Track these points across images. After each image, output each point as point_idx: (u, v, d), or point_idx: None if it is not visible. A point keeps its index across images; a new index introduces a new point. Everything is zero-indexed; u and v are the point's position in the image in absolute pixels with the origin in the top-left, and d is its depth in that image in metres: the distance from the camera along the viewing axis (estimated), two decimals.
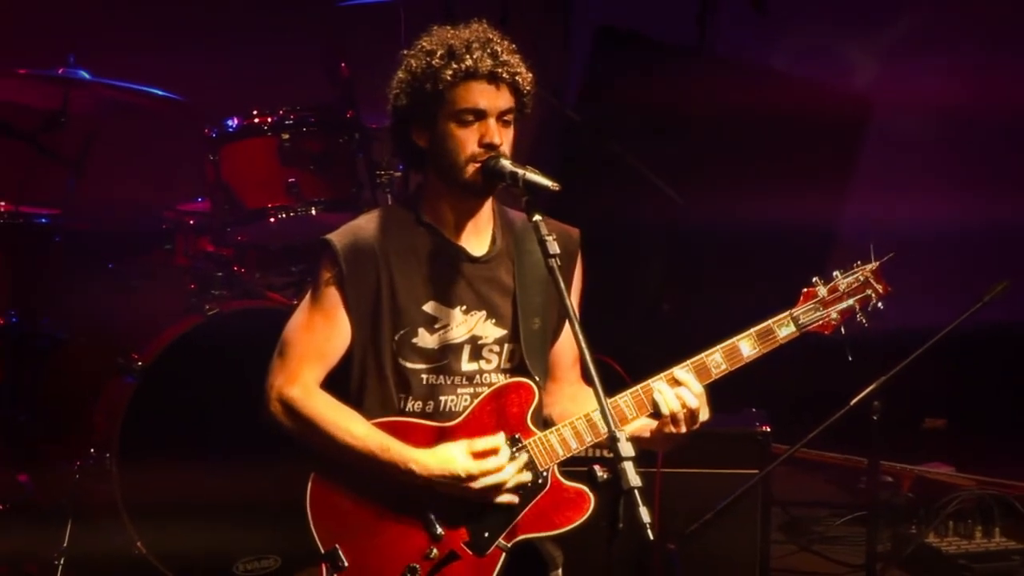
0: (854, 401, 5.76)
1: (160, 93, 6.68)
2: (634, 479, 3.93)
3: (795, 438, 6.01)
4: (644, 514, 3.90)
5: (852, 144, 9.04)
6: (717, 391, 5.57)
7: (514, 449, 4.43)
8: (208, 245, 6.88)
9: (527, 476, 4.42)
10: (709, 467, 5.90)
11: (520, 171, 4.36)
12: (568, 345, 4.67)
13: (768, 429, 5.94)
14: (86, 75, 6.60)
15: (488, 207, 4.57)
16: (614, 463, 3.97)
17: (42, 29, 7.88)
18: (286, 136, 6.63)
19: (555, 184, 4.32)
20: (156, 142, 7.76)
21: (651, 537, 3.91)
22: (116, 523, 6.10)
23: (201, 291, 6.60)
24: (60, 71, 6.59)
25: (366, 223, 4.54)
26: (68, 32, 7.70)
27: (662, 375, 4.47)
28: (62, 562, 6.10)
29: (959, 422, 8.55)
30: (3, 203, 6.68)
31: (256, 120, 6.67)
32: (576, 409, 4.51)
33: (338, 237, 4.50)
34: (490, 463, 4.38)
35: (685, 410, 4.43)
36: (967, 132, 9.05)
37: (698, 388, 4.46)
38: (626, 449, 3.97)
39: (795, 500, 7.36)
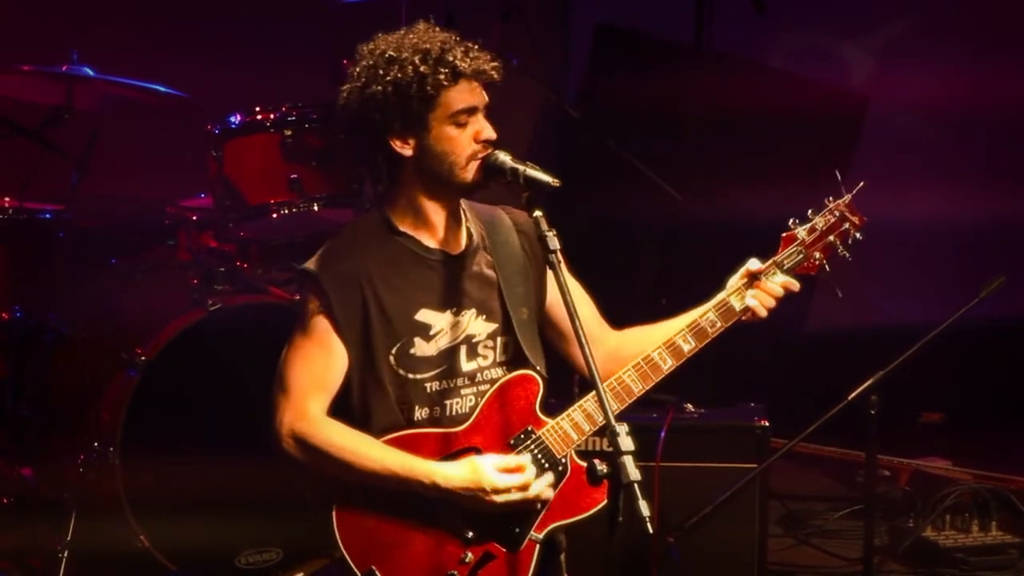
0: (852, 395, 5.77)
1: (163, 89, 6.69)
2: (634, 473, 3.96)
3: (793, 432, 6.04)
4: (643, 507, 3.93)
5: (849, 141, 9.06)
6: (715, 385, 5.62)
7: (535, 450, 4.46)
8: (211, 240, 6.91)
9: (550, 493, 4.44)
10: (708, 461, 5.92)
11: (521, 167, 4.38)
12: (585, 314, 4.60)
13: (766, 423, 5.96)
14: (89, 71, 6.61)
15: (460, 203, 4.59)
16: (614, 457, 4.00)
17: (45, 26, 7.90)
18: (288, 132, 6.64)
19: (555, 180, 4.35)
20: (159, 138, 7.77)
21: (650, 530, 3.94)
22: (119, 517, 6.11)
23: (203, 286, 6.61)
24: (64, 68, 6.60)
25: (341, 246, 4.54)
26: (71, 29, 7.71)
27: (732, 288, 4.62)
28: (65, 555, 6.11)
29: (956, 416, 8.58)
30: (7, 199, 6.69)
31: (259, 116, 6.68)
32: (645, 344, 4.59)
33: (317, 264, 4.49)
34: (516, 479, 4.39)
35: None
36: (964, 129, 9.08)
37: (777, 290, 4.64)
38: (626, 443, 4.00)
39: (793, 494, 7.37)
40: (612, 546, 4.08)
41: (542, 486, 4.43)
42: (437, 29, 4.50)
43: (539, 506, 4.44)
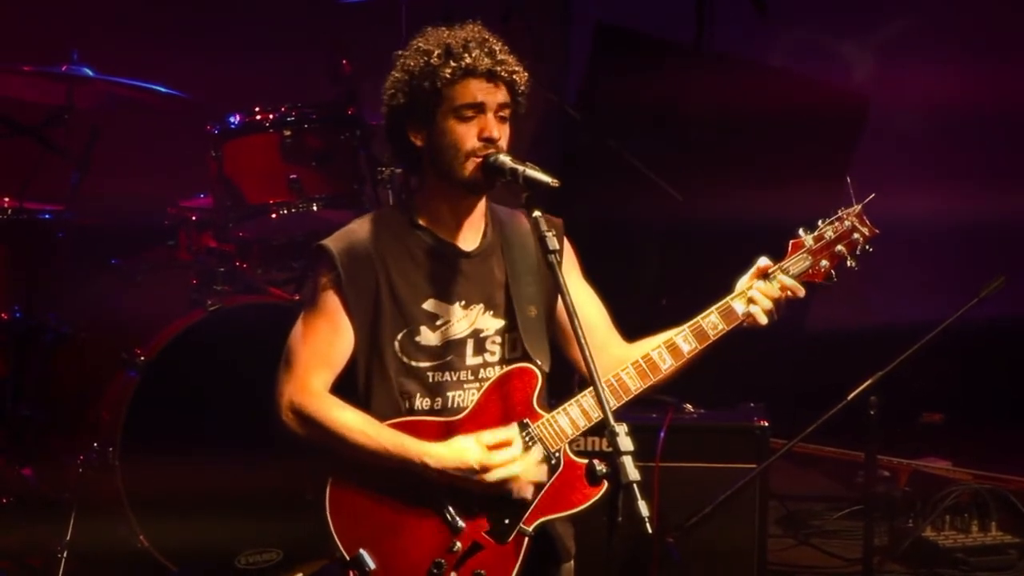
0: (852, 396, 5.79)
1: (163, 90, 6.71)
2: (633, 473, 3.96)
3: (793, 432, 6.04)
4: (643, 508, 3.93)
5: (849, 141, 9.07)
6: (715, 385, 5.61)
7: (526, 437, 4.46)
8: (210, 241, 6.91)
9: (543, 470, 4.45)
10: (707, 461, 5.92)
11: (520, 167, 4.39)
12: (594, 317, 4.66)
13: (766, 423, 5.95)
14: (89, 72, 6.63)
15: (482, 205, 4.61)
16: (613, 457, 4.01)
17: (45, 26, 7.90)
18: (288, 132, 6.66)
19: (555, 180, 4.35)
20: (159, 138, 7.78)
21: (650, 530, 3.94)
22: (119, 516, 6.12)
23: (203, 286, 6.63)
24: (64, 68, 6.62)
25: (360, 227, 4.57)
26: (71, 29, 7.72)
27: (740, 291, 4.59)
28: (65, 555, 6.11)
29: (956, 417, 8.58)
30: (7, 199, 6.70)
31: (258, 117, 6.70)
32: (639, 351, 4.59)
33: (333, 241, 4.53)
34: (503, 455, 4.40)
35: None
36: (964, 129, 9.08)
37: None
38: (625, 444, 4.01)
39: (793, 494, 7.37)
40: (612, 546, 4.08)
41: (530, 462, 4.43)
42: (478, 28, 4.52)
43: (531, 489, 4.44)
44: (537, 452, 4.46)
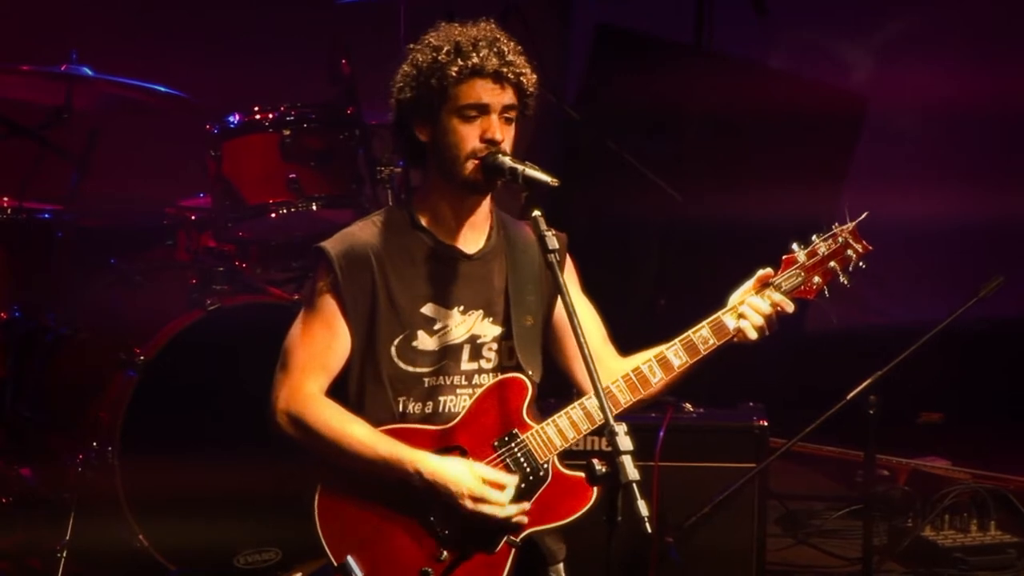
0: (851, 395, 5.79)
1: (162, 89, 6.71)
2: (632, 473, 3.97)
3: (792, 432, 6.04)
4: (642, 507, 3.94)
5: (849, 140, 9.07)
6: (715, 385, 5.61)
7: (516, 451, 4.46)
8: (209, 241, 6.92)
9: (523, 520, 4.45)
10: (707, 461, 5.92)
11: (520, 167, 4.39)
12: (590, 331, 4.64)
13: (765, 423, 5.96)
14: (88, 72, 6.63)
15: (486, 206, 4.60)
16: (612, 457, 4.01)
17: (45, 26, 7.91)
18: (287, 132, 6.66)
19: (554, 180, 4.36)
20: (158, 138, 7.78)
21: (649, 530, 3.95)
22: (118, 516, 6.11)
23: (202, 286, 6.61)
24: (63, 68, 6.62)
25: (359, 229, 4.57)
26: (71, 29, 7.72)
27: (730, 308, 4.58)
28: (64, 555, 6.10)
29: (955, 416, 8.59)
30: (6, 199, 6.70)
31: (257, 116, 6.70)
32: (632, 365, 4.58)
33: (332, 244, 4.52)
34: (494, 495, 4.40)
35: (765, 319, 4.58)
36: (963, 129, 9.08)
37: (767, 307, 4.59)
38: (624, 443, 4.01)
39: (792, 493, 7.36)
40: (611, 546, 4.08)
41: (515, 511, 4.43)
42: (490, 27, 4.52)
43: (507, 526, 4.44)
44: (524, 505, 4.45)
